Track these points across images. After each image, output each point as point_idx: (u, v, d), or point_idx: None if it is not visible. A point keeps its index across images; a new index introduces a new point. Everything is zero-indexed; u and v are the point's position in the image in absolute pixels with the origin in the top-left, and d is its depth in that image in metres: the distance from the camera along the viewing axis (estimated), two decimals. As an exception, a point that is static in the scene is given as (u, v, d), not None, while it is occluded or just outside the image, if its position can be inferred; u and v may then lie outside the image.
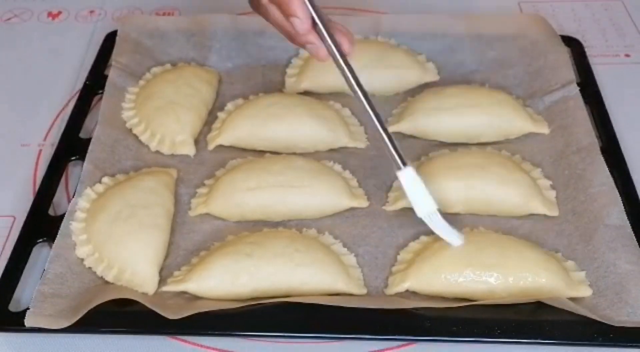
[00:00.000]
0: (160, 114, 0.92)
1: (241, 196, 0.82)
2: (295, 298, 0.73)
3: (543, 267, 0.75)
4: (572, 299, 0.73)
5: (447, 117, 0.90)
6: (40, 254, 0.80)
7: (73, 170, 0.90)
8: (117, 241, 0.78)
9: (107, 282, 0.77)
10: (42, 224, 0.82)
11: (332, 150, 0.91)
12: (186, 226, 0.83)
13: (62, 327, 0.71)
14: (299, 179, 0.83)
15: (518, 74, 0.99)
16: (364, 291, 0.76)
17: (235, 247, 0.76)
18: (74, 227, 0.80)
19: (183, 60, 1.01)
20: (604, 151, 0.86)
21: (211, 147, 0.91)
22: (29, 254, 0.79)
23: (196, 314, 0.71)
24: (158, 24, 1.03)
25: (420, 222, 0.81)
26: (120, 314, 0.73)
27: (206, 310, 0.72)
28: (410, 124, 0.91)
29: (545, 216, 0.82)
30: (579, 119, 0.90)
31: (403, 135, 0.92)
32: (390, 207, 0.84)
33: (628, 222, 0.79)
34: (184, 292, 0.76)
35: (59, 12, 1.16)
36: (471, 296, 0.74)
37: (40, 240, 0.80)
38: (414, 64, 0.99)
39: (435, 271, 0.75)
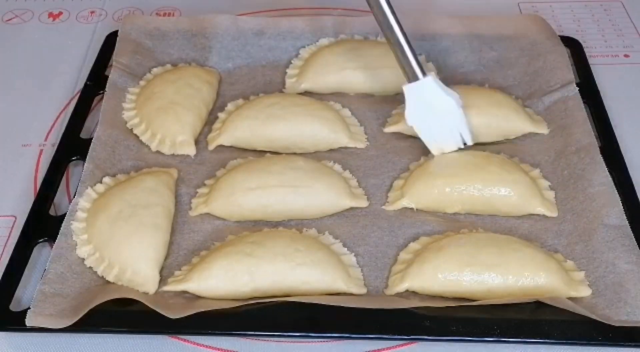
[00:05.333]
0: (161, 114, 0.92)
1: (241, 195, 0.82)
2: (296, 298, 0.73)
3: (542, 267, 0.75)
4: (572, 299, 0.73)
5: (446, 117, 0.90)
6: (41, 254, 0.80)
7: (74, 170, 0.90)
8: (118, 241, 0.78)
9: (107, 282, 0.77)
10: (43, 224, 0.82)
11: (332, 150, 0.91)
12: (187, 225, 0.83)
13: (63, 326, 0.71)
14: (299, 179, 0.83)
15: (517, 75, 0.99)
16: (363, 290, 0.76)
17: (235, 247, 0.76)
18: (75, 227, 0.80)
19: (183, 60, 1.01)
20: (603, 151, 0.86)
21: (211, 147, 0.91)
22: (30, 254, 0.79)
23: (197, 313, 0.71)
24: (158, 25, 1.03)
25: (420, 221, 0.82)
26: (121, 313, 0.73)
27: (207, 309, 0.72)
28: (410, 124, 0.91)
29: (544, 215, 0.83)
30: (578, 119, 0.90)
31: (403, 136, 0.92)
32: (390, 207, 0.84)
33: (627, 222, 0.79)
34: (184, 292, 0.76)
35: (60, 13, 1.16)
36: (471, 295, 0.75)
37: (41, 240, 0.80)
38: (414, 64, 0.99)
39: (435, 271, 0.75)
